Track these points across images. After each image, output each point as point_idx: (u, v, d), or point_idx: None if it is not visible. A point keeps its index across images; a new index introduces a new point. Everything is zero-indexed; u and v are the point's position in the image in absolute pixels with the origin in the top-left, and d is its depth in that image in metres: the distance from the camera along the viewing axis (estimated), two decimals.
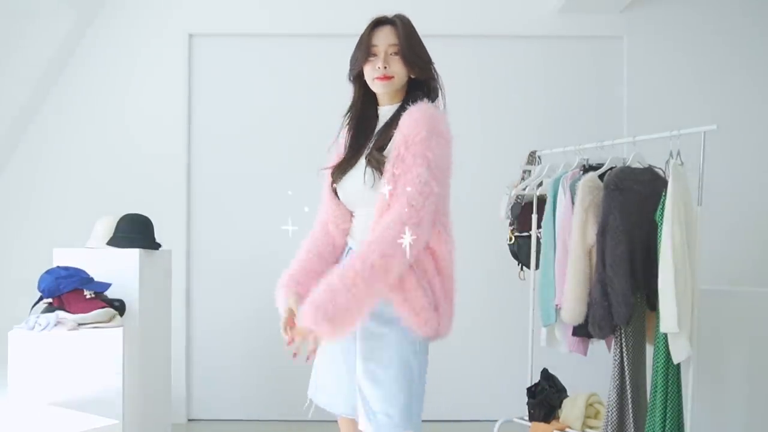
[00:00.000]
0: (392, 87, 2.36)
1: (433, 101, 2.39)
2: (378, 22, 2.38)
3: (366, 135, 2.42)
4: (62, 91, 5.35)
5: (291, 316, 2.30)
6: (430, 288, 2.23)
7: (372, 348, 2.32)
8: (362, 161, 2.34)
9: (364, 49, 2.36)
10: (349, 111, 2.51)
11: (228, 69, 5.44)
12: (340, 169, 2.41)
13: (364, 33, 2.38)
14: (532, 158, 4.65)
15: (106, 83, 5.36)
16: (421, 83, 2.42)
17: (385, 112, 2.41)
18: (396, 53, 2.32)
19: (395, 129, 2.27)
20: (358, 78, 2.44)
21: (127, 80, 5.37)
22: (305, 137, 4.95)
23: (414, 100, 2.31)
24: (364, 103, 2.47)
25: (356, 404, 2.32)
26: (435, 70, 2.44)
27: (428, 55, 2.43)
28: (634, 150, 3.99)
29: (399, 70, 2.34)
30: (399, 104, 2.39)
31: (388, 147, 2.29)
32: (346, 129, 2.49)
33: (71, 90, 5.34)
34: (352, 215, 2.45)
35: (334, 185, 2.43)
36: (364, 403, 2.29)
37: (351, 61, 2.42)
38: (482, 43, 5.40)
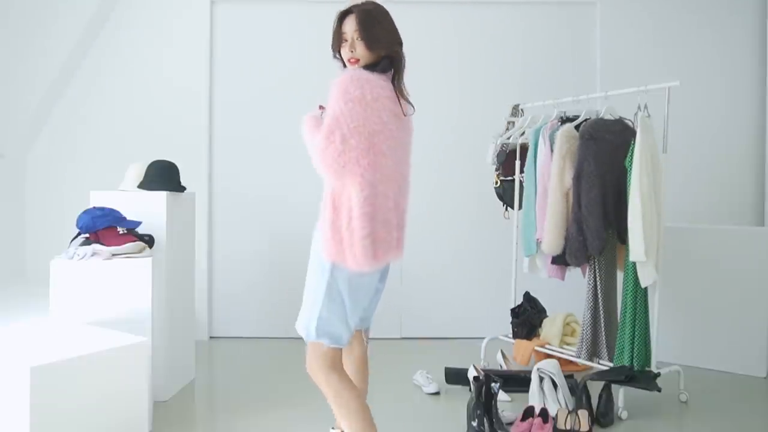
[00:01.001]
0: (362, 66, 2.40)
1: (395, 73, 2.45)
2: (346, 13, 2.44)
3: None
4: (100, 52, 5.22)
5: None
6: (337, 223, 2.29)
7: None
8: None
9: (336, 37, 2.44)
10: None
11: (247, 28, 5.31)
12: None
13: (335, 22, 2.45)
14: (516, 111, 4.60)
15: (137, 42, 5.24)
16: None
17: None
18: (360, 38, 2.38)
19: None
20: (340, 57, 2.48)
21: (155, 39, 5.24)
22: (316, 91, 4.84)
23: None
24: None
25: None
26: (397, 48, 2.47)
27: (392, 35, 2.46)
28: (606, 103, 3.96)
29: (363, 53, 2.39)
30: None
31: None
32: None
33: (108, 49, 5.23)
34: None
35: None
36: None
37: (331, 45, 2.48)
38: (472, 9, 5.29)
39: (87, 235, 3.47)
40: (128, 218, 3.59)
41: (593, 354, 3.84)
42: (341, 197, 2.29)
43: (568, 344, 4.19)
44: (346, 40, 2.40)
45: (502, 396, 3.63)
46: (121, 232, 3.46)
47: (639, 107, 3.62)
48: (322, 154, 2.24)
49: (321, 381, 2.47)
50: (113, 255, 3.36)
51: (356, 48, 2.38)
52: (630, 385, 3.49)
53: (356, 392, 2.48)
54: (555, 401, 3.49)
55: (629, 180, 3.54)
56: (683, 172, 5.00)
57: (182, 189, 3.98)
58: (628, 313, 3.62)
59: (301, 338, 2.51)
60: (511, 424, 3.33)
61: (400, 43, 2.48)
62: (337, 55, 2.49)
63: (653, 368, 3.61)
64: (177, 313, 3.89)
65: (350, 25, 2.39)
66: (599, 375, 3.59)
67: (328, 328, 2.42)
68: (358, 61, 2.39)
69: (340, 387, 2.45)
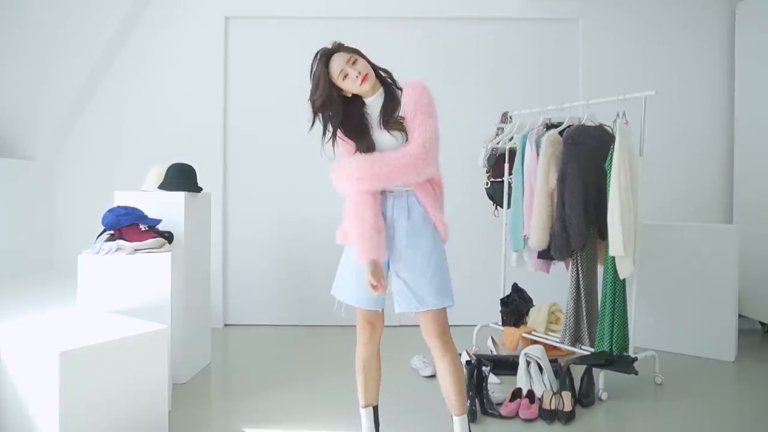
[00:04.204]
0: (372, 80, 2.39)
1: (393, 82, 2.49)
2: (327, 58, 2.39)
3: (364, 123, 2.43)
4: (124, 64, 5.22)
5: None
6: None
7: None
8: (382, 131, 2.39)
9: (329, 84, 2.38)
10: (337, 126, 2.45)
11: (258, 42, 5.29)
12: (369, 144, 2.41)
13: (319, 74, 2.38)
14: (505, 118, 4.58)
15: (158, 55, 5.24)
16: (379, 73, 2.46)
17: (372, 100, 2.44)
18: (354, 62, 2.36)
19: (399, 101, 2.41)
20: (332, 105, 2.41)
21: (174, 53, 5.24)
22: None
23: (392, 84, 2.47)
24: (350, 112, 2.45)
25: None
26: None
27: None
28: (587, 111, 3.93)
29: (365, 68, 2.37)
30: (381, 91, 2.44)
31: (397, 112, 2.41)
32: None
33: (131, 60, 5.23)
34: None
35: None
36: None
37: (315, 96, 2.40)
38: (465, 25, 5.27)
39: (112, 231, 3.45)
40: (149, 216, 3.58)
41: (576, 340, 3.83)
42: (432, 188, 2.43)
43: (552, 331, 4.17)
44: (347, 75, 2.35)
45: (492, 379, 3.62)
46: (142, 229, 3.45)
47: (618, 114, 3.59)
48: (425, 160, 2.32)
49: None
50: (136, 250, 3.34)
51: (358, 69, 2.35)
52: (609, 369, 3.47)
53: None
54: (541, 383, 3.47)
55: (609, 181, 3.51)
56: (658, 174, 5.00)
57: (199, 189, 3.97)
58: (608, 302, 3.61)
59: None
60: (500, 404, 3.32)
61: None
62: (320, 109, 2.44)
63: (631, 353, 3.59)
64: (194, 302, 3.87)
65: (339, 60, 2.36)
66: (581, 359, 3.58)
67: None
68: (367, 76, 2.36)
69: None
